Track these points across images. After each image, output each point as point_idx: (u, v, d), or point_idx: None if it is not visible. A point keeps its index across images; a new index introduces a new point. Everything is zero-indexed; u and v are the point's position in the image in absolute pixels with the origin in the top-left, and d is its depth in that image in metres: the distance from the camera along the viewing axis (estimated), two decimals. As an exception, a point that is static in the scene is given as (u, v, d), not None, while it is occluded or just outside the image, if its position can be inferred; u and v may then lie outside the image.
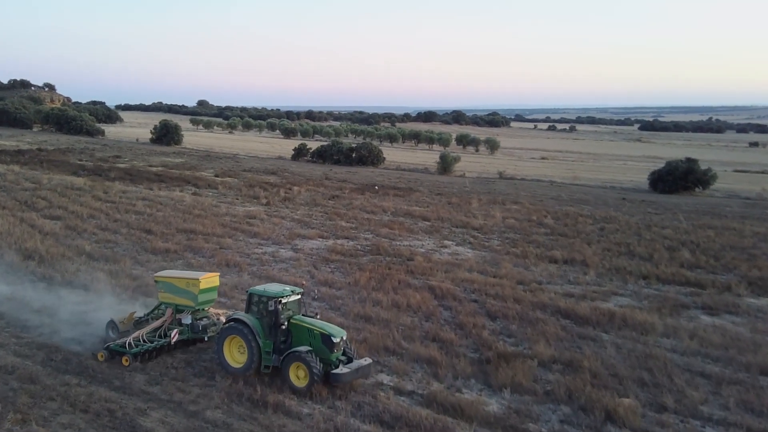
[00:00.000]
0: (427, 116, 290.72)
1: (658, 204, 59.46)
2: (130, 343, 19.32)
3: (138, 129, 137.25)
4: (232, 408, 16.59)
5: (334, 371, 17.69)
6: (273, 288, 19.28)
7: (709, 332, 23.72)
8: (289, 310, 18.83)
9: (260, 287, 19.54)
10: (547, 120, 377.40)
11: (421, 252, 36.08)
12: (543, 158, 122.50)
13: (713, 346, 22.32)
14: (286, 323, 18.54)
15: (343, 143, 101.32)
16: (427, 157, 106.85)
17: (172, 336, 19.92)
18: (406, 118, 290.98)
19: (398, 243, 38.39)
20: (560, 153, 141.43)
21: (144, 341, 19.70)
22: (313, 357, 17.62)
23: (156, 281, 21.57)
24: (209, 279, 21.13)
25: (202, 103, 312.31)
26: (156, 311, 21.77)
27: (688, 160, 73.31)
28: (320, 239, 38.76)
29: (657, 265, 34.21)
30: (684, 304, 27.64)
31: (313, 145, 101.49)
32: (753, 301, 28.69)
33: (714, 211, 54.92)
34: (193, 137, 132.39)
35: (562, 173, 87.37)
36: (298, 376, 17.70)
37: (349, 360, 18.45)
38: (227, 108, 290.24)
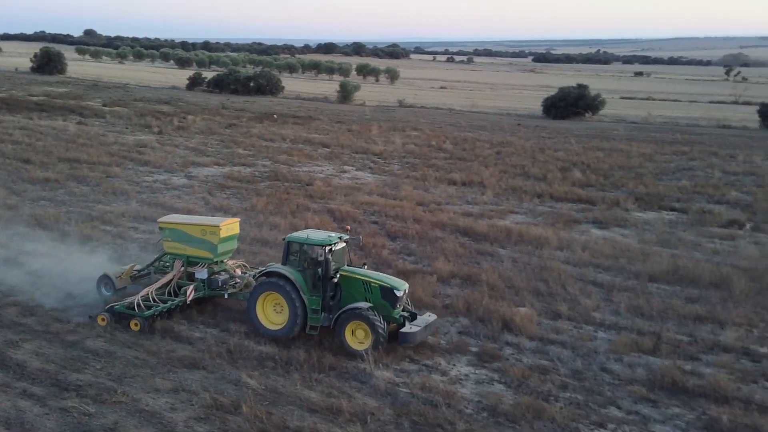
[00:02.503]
0: (328, 48, 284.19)
1: (551, 129, 60.92)
2: (138, 304, 16.30)
3: (18, 59, 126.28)
4: (115, 336, 15.51)
5: (403, 330, 15.30)
6: (316, 234, 16.46)
7: (600, 244, 24.49)
8: (334, 260, 16.16)
9: (300, 234, 16.55)
10: (445, 52, 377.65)
11: (320, 177, 35.35)
12: (442, 88, 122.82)
13: (604, 257, 23.06)
14: (337, 276, 16.00)
15: (241, 72, 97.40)
16: (328, 86, 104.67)
17: (188, 294, 16.90)
18: (306, 49, 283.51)
19: (297, 169, 37.47)
20: (459, 83, 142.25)
21: (155, 301, 16.68)
22: (376, 314, 15.22)
23: (160, 228, 18.00)
24: (229, 225, 17.77)
25: (89, 33, 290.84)
26: (158, 263, 18.65)
27: (579, 86, 75.35)
28: (216, 166, 37.28)
29: (550, 184, 35.07)
30: (576, 220, 28.47)
31: (209, 75, 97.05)
32: (640, 214, 29.98)
33: (603, 135, 56.84)
34: (79, 67, 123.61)
35: (461, 102, 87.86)
36: (356, 338, 15.22)
37: (413, 316, 16.12)
38: (117, 38, 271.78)
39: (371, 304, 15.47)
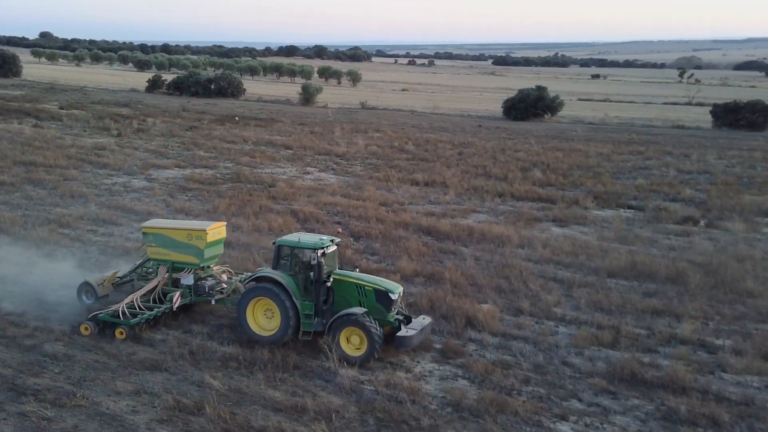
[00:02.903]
0: (289, 50, 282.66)
1: (511, 130, 61.68)
2: (123, 312, 15.78)
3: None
4: (74, 339, 15.25)
5: (400, 334, 15.05)
6: (308, 238, 16.00)
7: (560, 242, 24.91)
8: (326, 264, 15.80)
9: (291, 237, 16.13)
10: (407, 55, 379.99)
11: (283, 179, 35.22)
12: (404, 90, 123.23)
13: (564, 254, 23.46)
14: (330, 280, 15.67)
15: (202, 74, 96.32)
16: (290, 89, 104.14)
17: (174, 300, 16.38)
18: (267, 52, 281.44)
19: (260, 171, 37.25)
20: (420, 85, 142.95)
21: (140, 308, 16.13)
22: (371, 319, 14.94)
23: (144, 233, 17.42)
24: (216, 229, 17.28)
25: (45, 35, 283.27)
26: (141, 270, 17.97)
27: (538, 88, 76.42)
28: (177, 169, 36.87)
29: (511, 184, 35.52)
30: (537, 218, 28.91)
31: (169, 77, 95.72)
32: (598, 212, 30.57)
33: (562, 135, 57.75)
34: (35, 69, 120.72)
35: (422, 103, 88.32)
36: (351, 343, 14.97)
37: (408, 319, 15.86)
38: (74, 40, 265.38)
39: (366, 309, 15.19)
